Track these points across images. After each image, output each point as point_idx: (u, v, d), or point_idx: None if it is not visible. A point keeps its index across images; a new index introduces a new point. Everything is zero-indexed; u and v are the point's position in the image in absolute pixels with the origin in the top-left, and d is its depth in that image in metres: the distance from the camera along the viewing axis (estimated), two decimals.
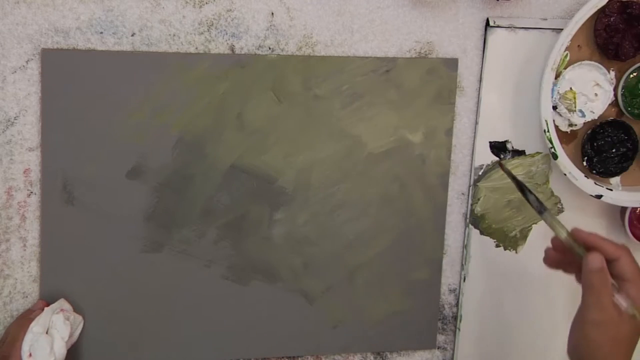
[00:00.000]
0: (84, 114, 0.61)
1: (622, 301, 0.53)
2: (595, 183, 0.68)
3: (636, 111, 0.67)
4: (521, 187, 0.60)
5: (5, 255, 0.63)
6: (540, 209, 0.58)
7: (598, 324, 0.53)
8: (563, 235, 0.57)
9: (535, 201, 0.59)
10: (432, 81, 0.67)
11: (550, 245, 0.59)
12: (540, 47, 0.67)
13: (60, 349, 0.59)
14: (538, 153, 0.69)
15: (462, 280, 0.71)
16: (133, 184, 0.63)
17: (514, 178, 0.60)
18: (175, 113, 0.63)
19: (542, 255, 0.69)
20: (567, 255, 0.58)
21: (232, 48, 0.64)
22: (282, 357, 0.70)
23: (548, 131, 0.66)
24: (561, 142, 0.67)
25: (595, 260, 0.54)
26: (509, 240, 0.71)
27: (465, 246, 0.71)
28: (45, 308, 0.61)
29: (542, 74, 0.65)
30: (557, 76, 0.66)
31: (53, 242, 0.63)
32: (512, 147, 0.70)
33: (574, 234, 0.57)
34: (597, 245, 0.55)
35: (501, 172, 0.69)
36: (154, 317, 0.66)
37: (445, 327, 0.72)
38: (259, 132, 0.65)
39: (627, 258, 0.55)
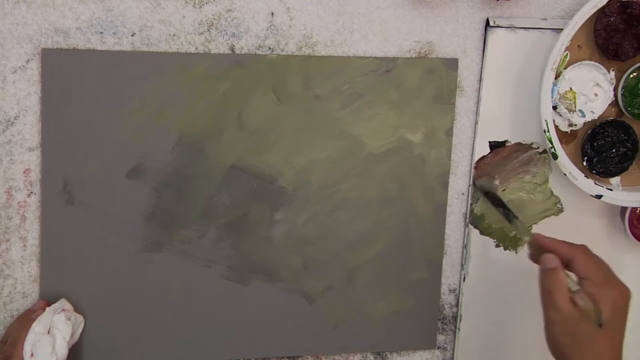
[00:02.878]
0: (84, 114, 0.61)
1: (579, 299, 0.55)
2: (595, 183, 0.68)
3: (636, 111, 0.67)
4: (493, 200, 0.67)
5: (5, 255, 0.63)
6: (510, 218, 0.65)
7: (555, 323, 0.55)
8: (525, 240, 0.62)
9: (504, 212, 0.66)
10: (432, 81, 0.67)
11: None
12: (540, 47, 0.67)
13: (62, 348, 0.59)
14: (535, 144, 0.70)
15: (462, 280, 0.71)
16: (133, 184, 0.63)
17: (485, 192, 0.67)
18: (175, 113, 0.63)
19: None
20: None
21: (232, 48, 0.64)
22: (282, 357, 0.70)
23: (548, 131, 0.66)
24: (561, 142, 0.67)
25: (546, 261, 0.58)
26: (509, 240, 0.71)
27: (465, 246, 0.71)
28: (47, 308, 0.61)
29: (542, 74, 0.65)
30: (557, 76, 0.66)
31: (53, 242, 0.63)
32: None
33: (535, 239, 0.61)
34: (552, 247, 0.59)
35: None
36: (154, 316, 0.66)
37: (445, 327, 0.72)
38: (259, 132, 0.65)
39: (581, 257, 0.58)
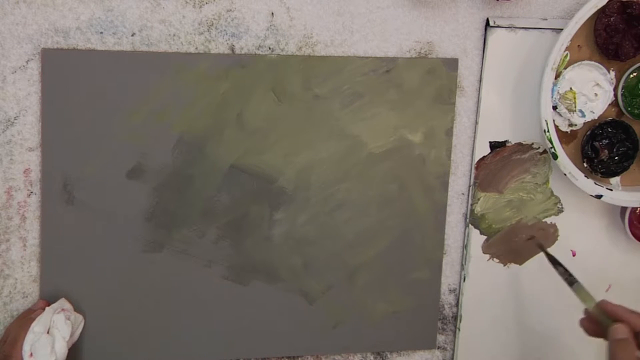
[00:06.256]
0: (84, 114, 0.62)
1: None
2: (595, 183, 0.68)
3: (636, 111, 0.67)
4: (552, 259, 0.66)
5: (5, 255, 0.63)
6: (571, 281, 0.63)
7: None
8: (590, 306, 0.60)
9: (564, 273, 0.64)
10: (432, 81, 0.67)
11: (584, 315, 0.61)
12: (540, 47, 0.67)
13: (61, 348, 0.59)
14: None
15: (462, 280, 0.71)
16: (133, 184, 0.63)
17: (545, 251, 0.67)
18: (175, 113, 0.63)
19: (542, 255, 0.70)
20: (599, 325, 0.59)
21: (232, 48, 0.64)
22: (282, 357, 0.70)
23: (548, 131, 0.66)
24: (561, 142, 0.67)
25: (618, 331, 0.56)
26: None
27: (465, 246, 0.71)
28: (46, 308, 0.61)
29: (542, 74, 0.65)
30: (557, 76, 0.66)
31: (53, 242, 0.63)
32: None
33: (601, 306, 0.59)
34: (623, 316, 0.57)
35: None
36: (154, 316, 0.66)
37: (445, 327, 0.72)
38: (259, 132, 0.65)
39: None
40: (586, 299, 0.61)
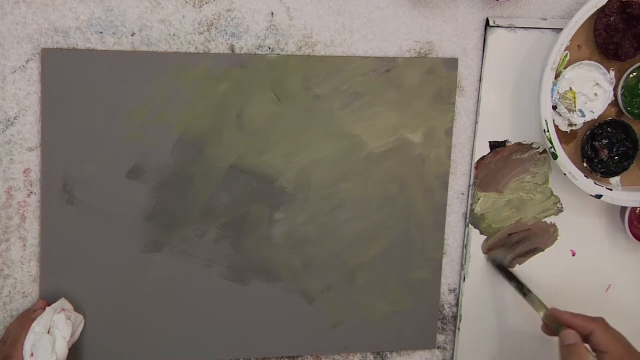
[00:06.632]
0: (84, 114, 0.62)
1: None
2: (595, 183, 0.68)
3: (636, 111, 0.67)
4: (507, 275, 0.69)
5: (5, 255, 0.63)
6: (524, 292, 0.67)
7: None
8: (541, 314, 0.64)
9: (518, 286, 0.68)
10: (432, 81, 0.67)
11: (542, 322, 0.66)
12: (540, 47, 0.67)
13: (62, 348, 0.59)
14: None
15: (462, 280, 0.71)
16: (133, 184, 0.63)
17: (498, 266, 0.69)
18: (175, 113, 0.63)
19: (542, 255, 0.71)
20: (554, 331, 0.63)
21: (232, 48, 0.64)
22: (282, 357, 0.70)
23: (548, 131, 0.66)
24: (561, 142, 0.67)
25: (567, 337, 0.59)
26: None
27: (465, 246, 0.71)
28: (47, 308, 0.61)
29: (542, 74, 0.65)
30: (557, 76, 0.66)
31: (53, 242, 0.63)
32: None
33: (552, 314, 0.63)
34: (570, 322, 0.60)
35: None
36: (154, 316, 0.66)
37: (445, 327, 0.72)
38: (259, 132, 0.65)
39: (600, 331, 0.59)
40: (539, 308, 0.65)
